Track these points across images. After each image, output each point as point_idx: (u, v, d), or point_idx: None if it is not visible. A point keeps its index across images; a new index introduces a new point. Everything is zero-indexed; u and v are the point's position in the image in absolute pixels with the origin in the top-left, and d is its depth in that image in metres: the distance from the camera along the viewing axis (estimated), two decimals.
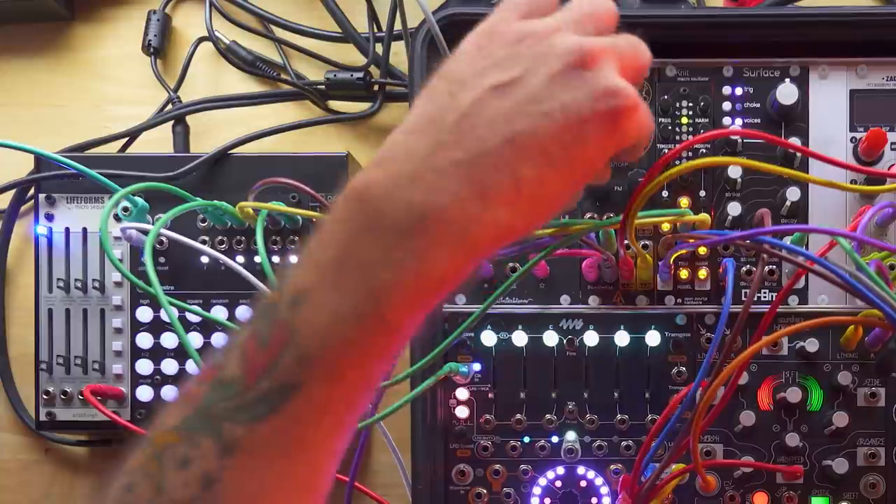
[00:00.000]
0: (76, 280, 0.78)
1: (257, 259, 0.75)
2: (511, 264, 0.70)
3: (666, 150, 0.70)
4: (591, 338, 0.71)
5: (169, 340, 0.77)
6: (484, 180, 0.40)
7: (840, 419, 0.69)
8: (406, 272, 0.39)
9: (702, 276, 0.71)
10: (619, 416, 0.71)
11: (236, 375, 0.39)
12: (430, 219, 0.40)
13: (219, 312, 0.76)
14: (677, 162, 0.69)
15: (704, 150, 0.70)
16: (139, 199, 0.75)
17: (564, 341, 0.71)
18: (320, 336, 0.39)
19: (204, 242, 0.76)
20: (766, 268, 0.70)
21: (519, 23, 0.45)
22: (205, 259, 0.77)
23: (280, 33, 0.87)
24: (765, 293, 0.71)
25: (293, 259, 0.77)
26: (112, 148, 0.85)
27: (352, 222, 0.40)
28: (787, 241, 0.65)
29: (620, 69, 0.44)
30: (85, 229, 0.78)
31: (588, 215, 0.71)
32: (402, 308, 0.40)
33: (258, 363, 0.39)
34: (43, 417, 0.78)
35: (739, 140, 0.70)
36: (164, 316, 0.76)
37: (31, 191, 0.83)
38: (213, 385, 0.40)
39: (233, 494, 0.38)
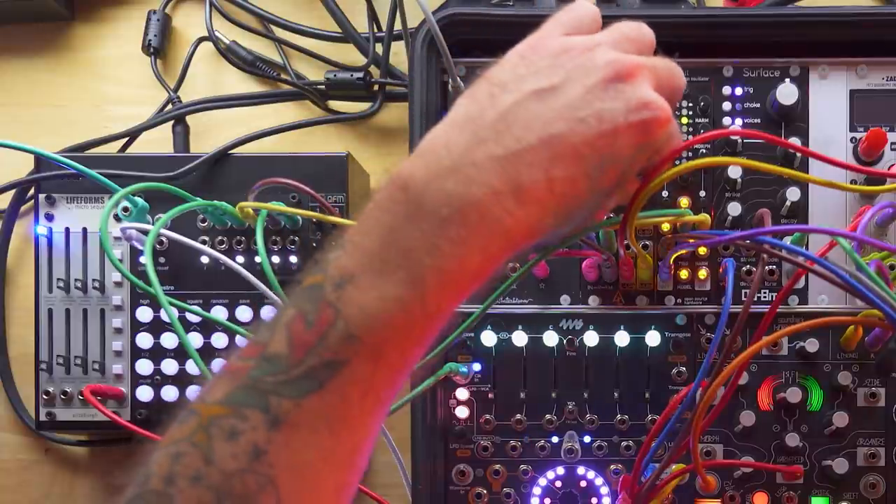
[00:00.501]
0: (76, 280, 0.78)
1: (257, 259, 0.75)
2: (511, 264, 0.70)
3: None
4: (591, 338, 0.71)
5: (169, 340, 0.77)
6: (519, 177, 0.43)
7: (840, 419, 0.69)
8: (446, 259, 0.42)
9: (702, 276, 0.71)
10: (619, 416, 0.71)
11: (283, 352, 0.41)
12: (468, 210, 0.42)
13: (219, 312, 0.77)
14: (677, 162, 0.69)
15: (704, 150, 0.70)
16: (139, 199, 0.75)
17: (564, 341, 0.71)
18: (365, 316, 0.41)
19: (204, 242, 0.76)
20: (766, 268, 0.70)
21: (562, 38, 0.48)
22: (205, 259, 0.77)
23: (280, 33, 0.87)
24: (765, 293, 0.71)
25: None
26: (112, 148, 0.85)
27: (394, 210, 0.42)
28: (787, 241, 0.65)
29: (656, 87, 0.47)
30: (85, 229, 0.78)
31: None
32: (441, 294, 0.42)
33: (305, 340, 0.41)
34: (43, 417, 0.78)
35: (739, 140, 0.70)
36: (164, 316, 0.76)
37: (31, 191, 0.83)
38: (259, 360, 0.41)
39: (279, 466, 0.39)
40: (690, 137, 0.70)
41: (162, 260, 0.77)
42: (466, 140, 0.44)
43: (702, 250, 0.70)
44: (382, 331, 0.41)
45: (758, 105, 0.71)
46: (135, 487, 0.39)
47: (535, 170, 0.43)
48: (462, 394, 0.72)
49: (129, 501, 0.39)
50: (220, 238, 0.77)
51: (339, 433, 0.41)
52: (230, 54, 0.86)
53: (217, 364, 0.76)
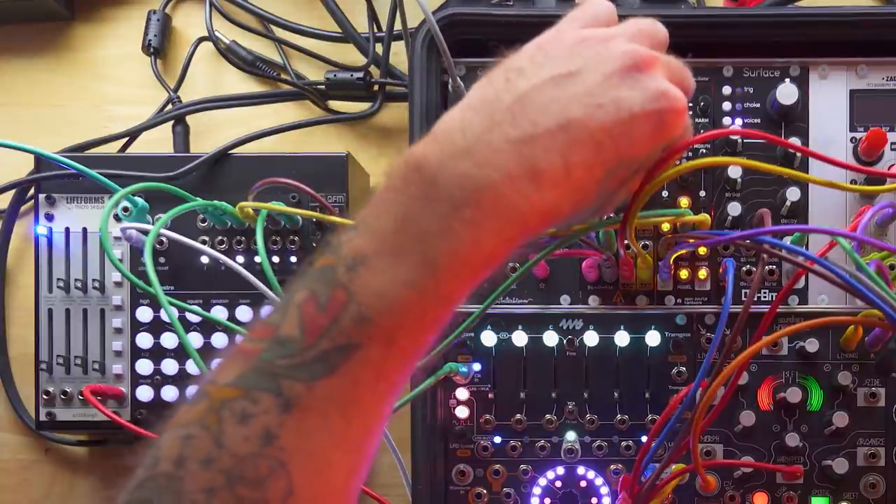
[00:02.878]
0: (76, 280, 0.78)
1: (257, 259, 0.75)
2: (511, 264, 0.70)
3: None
4: (591, 338, 0.71)
5: (169, 340, 0.77)
6: (535, 160, 0.43)
7: (840, 419, 0.69)
8: (460, 242, 0.41)
9: (702, 276, 0.71)
10: (619, 416, 0.71)
11: (295, 334, 0.40)
12: (483, 192, 0.42)
13: (219, 312, 0.76)
14: (677, 162, 0.69)
15: (704, 150, 0.70)
16: (139, 199, 0.75)
17: (564, 341, 0.71)
18: (378, 299, 0.40)
19: (204, 242, 0.76)
20: (766, 268, 0.70)
21: (580, 30, 0.48)
22: (205, 259, 0.77)
23: (280, 33, 0.87)
24: (765, 293, 0.71)
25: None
26: (112, 148, 0.85)
27: (408, 191, 0.42)
28: (787, 241, 0.65)
29: (670, 81, 0.47)
30: (85, 229, 0.78)
31: None
32: (455, 278, 0.42)
33: (317, 323, 0.40)
34: (43, 417, 0.78)
35: (739, 140, 0.70)
36: (164, 316, 0.76)
37: (31, 191, 0.83)
38: (270, 343, 0.41)
39: (290, 450, 0.39)
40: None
41: (162, 260, 0.77)
42: (482, 122, 0.43)
43: (702, 250, 0.70)
44: (396, 315, 0.41)
45: (758, 105, 0.71)
46: (144, 470, 0.39)
47: (551, 154, 0.43)
48: (462, 394, 0.72)
49: (138, 484, 0.39)
50: (220, 238, 0.77)
51: (350, 417, 0.41)
52: (230, 54, 0.86)
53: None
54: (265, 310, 0.44)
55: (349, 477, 0.42)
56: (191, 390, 0.76)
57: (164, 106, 0.86)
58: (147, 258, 0.65)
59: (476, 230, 0.42)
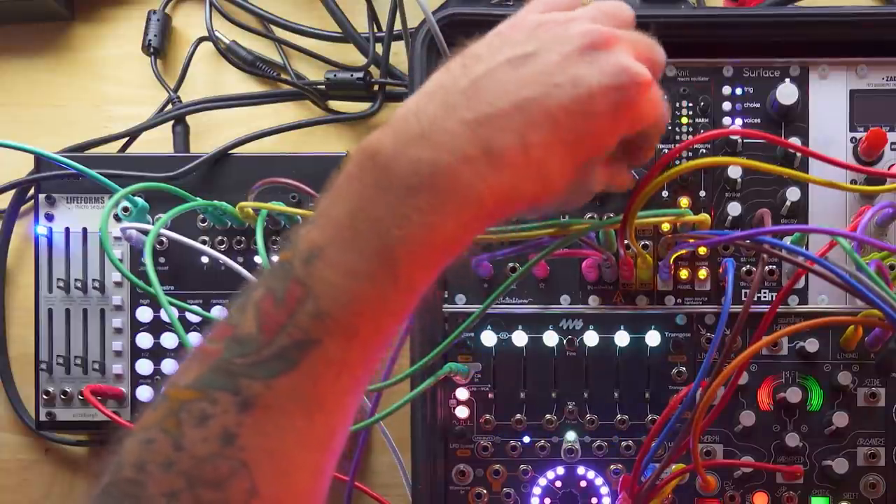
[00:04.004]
0: (76, 280, 0.78)
1: (257, 259, 0.75)
2: (511, 264, 0.70)
3: (666, 150, 0.70)
4: (591, 338, 0.71)
5: (169, 340, 0.77)
6: (491, 141, 0.42)
7: (840, 419, 0.69)
8: (416, 229, 0.40)
9: (702, 276, 0.71)
10: (619, 416, 0.71)
11: (252, 332, 0.40)
12: (438, 176, 0.41)
13: (219, 312, 0.76)
14: (677, 162, 0.69)
15: (704, 150, 0.70)
16: (139, 199, 0.75)
17: (564, 341, 0.71)
18: (335, 292, 0.40)
19: (204, 242, 0.76)
20: (766, 268, 0.70)
21: (540, 15, 0.47)
22: (205, 259, 0.77)
23: (280, 33, 0.87)
24: (765, 293, 0.71)
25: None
26: (112, 148, 0.85)
27: (362, 179, 0.41)
28: (787, 241, 0.65)
29: (635, 58, 0.46)
30: (85, 229, 0.78)
31: (588, 215, 0.71)
32: (414, 265, 0.41)
33: (274, 320, 0.40)
34: (43, 417, 0.78)
35: (739, 140, 0.70)
36: (164, 316, 0.76)
37: (31, 191, 0.83)
38: (228, 342, 0.40)
39: (251, 450, 0.38)
40: (690, 137, 0.70)
41: (162, 260, 0.77)
42: (437, 108, 0.42)
43: (702, 250, 0.70)
44: (354, 308, 0.40)
45: (758, 105, 0.71)
46: (108, 476, 0.39)
47: (507, 134, 0.42)
48: (462, 394, 0.72)
49: (102, 490, 0.38)
50: (220, 238, 0.77)
51: (312, 414, 0.40)
52: (230, 54, 0.86)
53: None
54: (225, 310, 0.43)
55: (314, 476, 0.41)
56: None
57: (164, 106, 0.86)
58: (147, 258, 0.65)
59: (432, 215, 0.41)
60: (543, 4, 0.49)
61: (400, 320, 0.42)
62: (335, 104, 0.87)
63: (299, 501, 0.40)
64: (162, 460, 0.38)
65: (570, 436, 0.71)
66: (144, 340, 0.77)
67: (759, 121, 0.71)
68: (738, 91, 0.71)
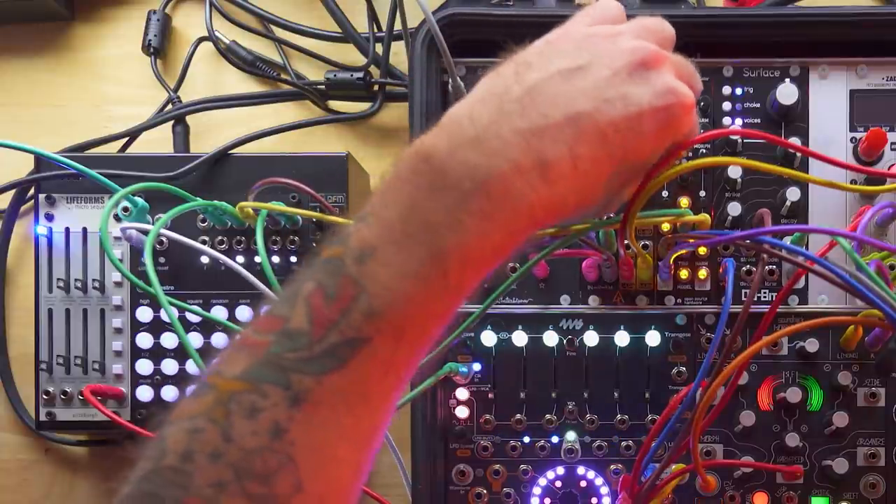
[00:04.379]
0: (76, 280, 0.78)
1: (257, 259, 0.75)
2: (511, 264, 0.70)
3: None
4: (591, 338, 0.71)
5: (169, 340, 0.77)
6: (543, 151, 0.43)
7: (840, 419, 0.69)
8: (468, 234, 0.41)
9: (702, 276, 0.71)
10: (619, 416, 0.71)
11: (304, 327, 0.40)
12: (492, 182, 0.41)
13: (219, 312, 0.76)
14: (677, 162, 0.69)
15: (704, 150, 0.70)
16: (139, 199, 0.75)
17: (564, 341, 0.71)
18: (388, 292, 0.40)
19: (204, 242, 0.76)
20: (766, 268, 0.70)
21: (588, 27, 0.48)
22: (205, 259, 0.77)
23: (280, 33, 0.87)
24: (765, 293, 0.71)
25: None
26: (112, 148, 0.85)
27: (416, 182, 0.42)
28: (787, 241, 0.65)
29: (678, 78, 0.47)
30: (85, 229, 0.78)
31: None
32: (463, 269, 0.41)
33: (326, 316, 0.40)
34: (43, 417, 0.78)
35: (739, 140, 0.70)
36: (164, 316, 0.76)
37: (31, 191, 0.83)
38: (278, 336, 0.40)
39: (300, 445, 0.39)
40: None
41: (162, 260, 0.77)
42: (491, 113, 0.43)
43: (702, 250, 0.70)
44: (405, 307, 0.40)
45: (758, 105, 0.71)
46: (148, 462, 0.38)
47: (559, 146, 0.43)
48: (462, 394, 0.72)
49: (143, 476, 0.38)
50: (220, 238, 0.77)
51: (359, 411, 0.40)
52: (230, 54, 0.86)
53: None
54: (270, 301, 0.43)
55: (356, 472, 0.42)
56: (190, 390, 0.76)
57: (164, 106, 0.86)
58: (147, 258, 0.65)
59: (484, 221, 0.41)
60: (591, 18, 0.50)
61: (444, 322, 0.43)
62: (335, 104, 0.87)
63: (341, 497, 0.41)
64: (210, 450, 0.38)
65: (570, 436, 0.71)
66: (144, 340, 0.77)
67: (759, 121, 0.71)
68: (738, 91, 0.71)
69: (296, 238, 0.77)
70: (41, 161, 0.78)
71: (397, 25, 0.82)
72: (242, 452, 0.38)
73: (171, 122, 0.85)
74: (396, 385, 0.42)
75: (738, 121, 0.71)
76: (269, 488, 0.38)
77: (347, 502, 0.41)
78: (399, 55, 0.85)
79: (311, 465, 0.39)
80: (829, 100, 0.70)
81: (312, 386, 0.39)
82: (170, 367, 0.77)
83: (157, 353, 0.78)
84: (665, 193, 0.71)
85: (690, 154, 0.70)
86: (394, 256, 0.40)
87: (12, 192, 0.84)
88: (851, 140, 0.70)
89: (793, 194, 0.69)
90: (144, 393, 0.77)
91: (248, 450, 0.38)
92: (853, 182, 0.69)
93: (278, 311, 0.41)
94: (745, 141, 0.70)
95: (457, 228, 0.41)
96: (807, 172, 0.69)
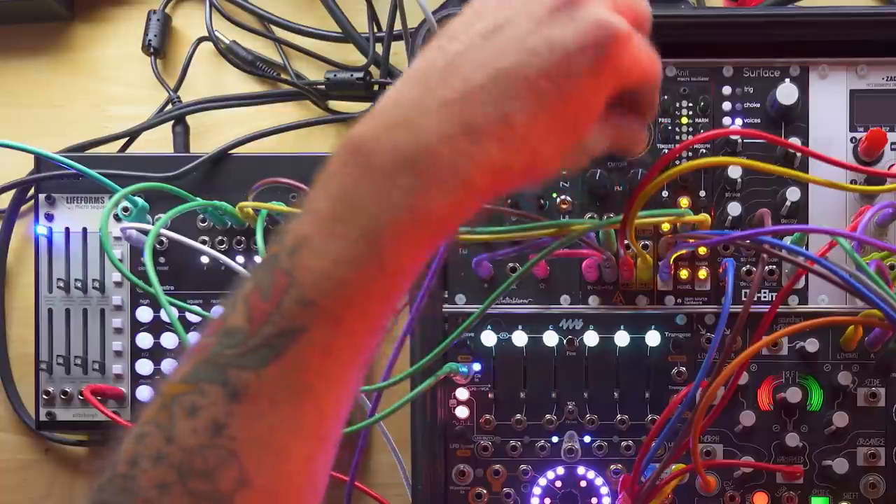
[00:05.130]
0: (76, 280, 0.78)
1: (257, 259, 0.75)
2: (511, 264, 0.70)
3: (666, 150, 0.70)
4: (591, 338, 0.71)
5: (169, 340, 0.77)
6: (471, 116, 0.41)
7: (840, 419, 0.69)
8: (399, 211, 0.40)
9: (702, 276, 0.71)
10: (619, 416, 0.71)
11: (240, 324, 0.40)
12: (418, 157, 0.40)
13: (219, 312, 0.76)
14: (677, 162, 0.69)
15: (704, 150, 0.70)
16: (139, 199, 0.75)
17: (564, 341, 0.71)
18: (319, 279, 0.40)
19: (204, 242, 0.76)
20: (766, 268, 0.70)
21: None
22: (205, 259, 0.77)
23: (280, 33, 0.87)
24: (765, 293, 0.71)
25: None
26: (112, 148, 0.85)
27: (345, 170, 0.41)
28: (787, 241, 0.65)
29: (614, 10, 0.44)
30: (85, 229, 0.78)
31: (588, 215, 0.71)
32: (399, 249, 0.40)
33: (261, 310, 0.40)
34: (43, 417, 0.78)
35: (739, 140, 0.70)
36: (164, 316, 0.76)
37: (31, 191, 0.82)
38: (219, 335, 0.40)
39: (240, 439, 0.39)
40: (690, 137, 0.70)
41: (162, 260, 0.77)
42: (415, 91, 0.42)
43: (702, 250, 0.70)
44: (339, 293, 0.40)
45: (758, 105, 0.71)
46: (106, 472, 0.39)
47: (488, 108, 0.41)
48: (462, 394, 0.72)
49: (99, 486, 0.39)
50: (220, 238, 0.77)
51: (302, 402, 0.40)
52: (230, 54, 0.86)
53: None
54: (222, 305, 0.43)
55: (307, 463, 0.41)
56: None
57: (164, 106, 0.86)
58: (147, 258, 0.65)
59: (415, 196, 0.40)
60: None
61: (388, 305, 0.42)
62: (335, 104, 0.87)
63: (291, 489, 0.40)
64: (153, 453, 0.38)
65: (570, 436, 0.71)
66: (144, 340, 0.77)
67: (759, 121, 0.71)
68: (738, 91, 0.71)
69: None
70: (41, 161, 0.78)
71: (397, 25, 0.82)
72: (184, 452, 0.38)
73: (171, 122, 0.85)
74: (341, 373, 0.41)
75: (738, 121, 0.71)
76: (212, 485, 0.38)
77: (302, 495, 0.41)
78: (399, 55, 0.85)
79: (255, 459, 0.39)
80: (829, 100, 0.71)
81: (251, 380, 0.39)
82: (170, 367, 0.77)
83: (157, 353, 0.78)
84: (665, 193, 0.71)
85: (690, 154, 0.70)
86: (324, 244, 0.40)
87: (12, 192, 0.84)
88: (851, 140, 0.70)
89: (793, 194, 0.69)
90: (144, 393, 0.78)
91: (189, 448, 0.38)
92: (853, 182, 0.69)
93: (222, 313, 0.41)
94: (745, 141, 0.70)
95: (387, 207, 0.40)
96: (807, 172, 0.69)
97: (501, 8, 0.44)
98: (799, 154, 0.69)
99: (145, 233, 0.70)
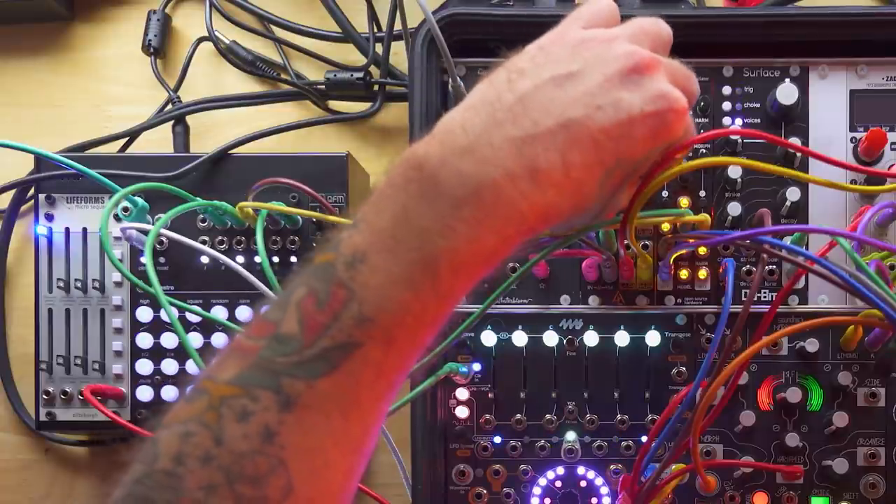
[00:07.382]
0: (76, 280, 0.78)
1: (257, 259, 0.75)
2: (511, 264, 0.70)
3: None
4: (591, 338, 0.71)
5: (169, 340, 0.77)
6: (535, 159, 0.43)
7: (840, 419, 0.69)
8: (459, 241, 0.41)
9: (702, 276, 0.71)
10: (619, 416, 0.71)
11: (295, 332, 0.40)
12: (483, 190, 0.42)
13: (219, 312, 0.76)
14: (682, 159, 0.69)
15: (704, 150, 0.70)
16: (139, 199, 0.75)
17: (564, 341, 0.71)
18: (378, 298, 0.40)
19: (204, 242, 0.76)
20: (766, 268, 0.70)
21: (581, 31, 0.48)
22: (205, 259, 0.77)
23: (280, 33, 0.87)
24: (765, 293, 0.71)
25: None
26: (112, 148, 0.85)
27: (408, 188, 0.42)
28: (787, 241, 0.65)
29: (672, 83, 0.47)
30: (85, 229, 0.78)
31: None
32: (454, 276, 0.42)
33: (318, 321, 0.40)
34: (43, 417, 0.78)
35: (739, 140, 0.70)
36: (164, 316, 0.76)
37: (31, 191, 0.83)
38: (270, 340, 0.40)
39: (290, 448, 0.39)
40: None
41: (162, 260, 0.77)
42: (483, 121, 0.43)
43: (702, 250, 0.70)
44: (396, 313, 0.41)
45: (758, 105, 0.71)
46: (141, 465, 0.39)
47: (551, 153, 0.43)
48: (462, 394, 0.72)
49: (136, 479, 0.38)
50: (220, 238, 0.77)
51: (350, 416, 0.41)
52: (230, 54, 0.86)
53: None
54: (263, 306, 0.43)
55: (347, 477, 0.42)
56: (187, 392, 0.76)
57: (164, 106, 0.87)
58: (147, 258, 0.65)
59: (476, 228, 0.42)
60: (584, 20, 0.50)
61: (435, 328, 0.43)
62: (335, 104, 0.87)
63: (332, 501, 0.41)
64: (201, 454, 0.38)
65: (570, 436, 0.71)
66: (144, 340, 0.77)
67: (759, 121, 0.71)
68: (738, 91, 0.71)
69: (296, 238, 0.77)
70: (41, 161, 0.78)
71: (397, 25, 0.82)
72: (233, 456, 0.38)
73: (171, 122, 0.85)
74: (387, 390, 0.42)
75: (738, 121, 0.71)
76: (260, 491, 0.38)
77: None
78: (399, 55, 0.85)
79: (302, 469, 0.39)
80: (829, 100, 0.71)
81: (303, 390, 0.39)
82: (170, 367, 0.77)
83: (157, 353, 0.78)
84: (665, 193, 0.71)
85: (690, 154, 0.70)
86: (384, 262, 0.41)
87: (12, 192, 0.84)
88: (851, 140, 0.70)
89: (793, 194, 0.69)
90: (144, 393, 0.77)
91: (239, 453, 0.38)
92: (853, 182, 0.69)
93: (270, 315, 0.42)
94: (745, 141, 0.70)
95: (447, 235, 0.41)
96: (807, 172, 0.69)
97: (575, 57, 0.46)
98: (799, 154, 0.69)
99: (145, 233, 0.70)
